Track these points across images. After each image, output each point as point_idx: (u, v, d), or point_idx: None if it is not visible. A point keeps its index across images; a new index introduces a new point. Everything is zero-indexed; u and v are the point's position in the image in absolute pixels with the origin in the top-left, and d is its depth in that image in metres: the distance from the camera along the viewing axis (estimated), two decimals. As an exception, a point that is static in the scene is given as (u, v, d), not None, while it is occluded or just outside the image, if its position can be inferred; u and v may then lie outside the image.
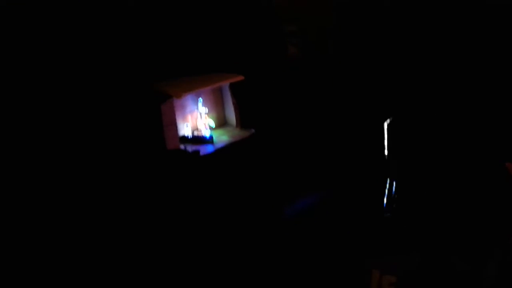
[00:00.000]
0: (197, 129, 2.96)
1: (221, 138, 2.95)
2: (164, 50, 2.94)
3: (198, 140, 2.89)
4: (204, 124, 2.95)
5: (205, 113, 2.96)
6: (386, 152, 2.89)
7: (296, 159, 3.04)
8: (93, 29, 2.65)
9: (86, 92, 2.60)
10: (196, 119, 2.97)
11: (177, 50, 2.99)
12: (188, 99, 2.92)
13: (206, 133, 2.92)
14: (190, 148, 2.80)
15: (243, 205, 2.73)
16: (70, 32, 2.57)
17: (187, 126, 2.92)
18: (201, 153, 2.77)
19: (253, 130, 3.01)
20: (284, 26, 3.66)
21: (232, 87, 3.02)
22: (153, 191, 2.61)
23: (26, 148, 2.44)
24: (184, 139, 2.89)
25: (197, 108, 2.95)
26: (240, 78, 2.97)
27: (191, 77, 2.93)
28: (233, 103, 3.05)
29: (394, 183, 2.86)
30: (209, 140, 2.88)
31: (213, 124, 2.99)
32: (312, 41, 3.80)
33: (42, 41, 2.47)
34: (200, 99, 2.94)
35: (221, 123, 3.11)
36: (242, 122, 3.05)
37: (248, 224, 2.62)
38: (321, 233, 2.61)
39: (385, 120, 2.91)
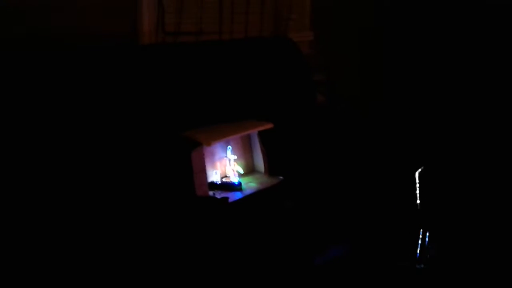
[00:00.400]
0: (226, 176, 2.98)
1: (250, 185, 2.95)
2: (195, 98, 3.02)
3: (226, 186, 2.90)
4: (233, 170, 2.97)
5: (234, 160, 2.99)
6: (418, 202, 2.84)
7: (325, 207, 3.01)
8: (125, 80, 2.76)
9: (122, 141, 2.67)
10: (225, 166, 2.99)
11: (208, 98, 3.07)
12: (217, 147, 2.96)
13: (235, 179, 2.93)
14: (218, 194, 2.81)
15: (272, 253, 2.69)
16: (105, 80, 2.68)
17: (216, 173, 2.94)
18: (230, 199, 2.77)
19: (281, 178, 3.01)
20: (313, 75, 3.73)
21: (261, 134, 3.06)
22: (183, 237, 2.61)
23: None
24: (213, 185, 2.90)
25: (226, 155, 2.98)
26: (269, 126, 3.01)
27: (221, 125, 2.99)
28: (262, 151, 3.08)
29: (428, 233, 2.79)
30: (237, 187, 2.89)
31: (241, 171, 3.01)
32: (339, 91, 3.85)
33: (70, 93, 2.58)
34: (229, 147, 2.98)
35: (250, 170, 3.13)
36: (270, 169, 3.06)
37: (277, 272, 2.57)
38: (350, 283, 2.54)
39: (416, 169, 2.88)
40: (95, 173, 2.58)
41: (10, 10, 2.60)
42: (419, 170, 2.84)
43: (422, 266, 2.67)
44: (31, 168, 2.40)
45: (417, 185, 2.85)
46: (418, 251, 2.72)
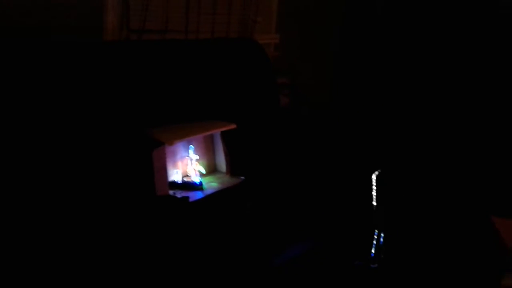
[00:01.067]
0: (187, 175, 2.99)
1: (211, 184, 2.97)
2: (157, 98, 3.01)
3: (188, 186, 2.91)
4: (195, 170, 2.98)
5: (196, 160, 3.00)
6: (374, 203, 2.93)
7: (284, 207, 3.06)
8: (87, 76, 2.73)
9: (81, 137, 2.64)
10: (187, 166, 3.00)
11: (170, 98, 3.07)
12: (179, 146, 2.96)
13: (196, 179, 2.94)
14: (179, 194, 2.82)
15: (232, 252, 2.72)
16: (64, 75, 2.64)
17: (177, 173, 2.95)
18: (191, 199, 2.78)
19: (242, 178, 3.05)
20: (277, 77, 3.78)
21: (224, 135, 3.09)
22: (142, 236, 2.61)
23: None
24: (174, 184, 2.90)
25: (188, 155, 2.99)
26: (232, 126, 3.04)
27: (184, 124, 2.99)
28: (224, 151, 3.10)
29: (382, 234, 2.88)
30: (198, 187, 2.90)
31: (203, 171, 3.02)
32: (302, 93, 3.92)
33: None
34: (191, 146, 2.99)
35: (212, 170, 3.15)
36: (232, 169, 3.09)
37: (235, 271, 2.60)
38: (308, 282, 2.60)
39: (373, 171, 2.96)
40: (55, 169, 2.55)
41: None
42: (376, 172, 2.93)
43: (376, 265, 2.76)
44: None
45: (374, 187, 2.94)
46: (372, 251, 2.81)
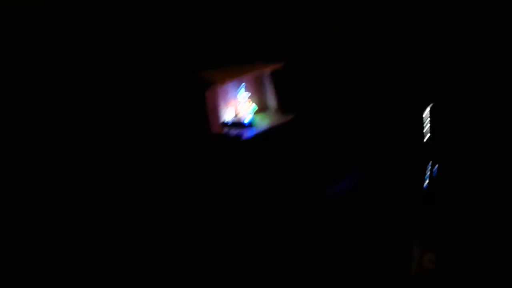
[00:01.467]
0: (239, 113, 3.07)
1: (262, 122, 3.04)
2: (210, 42, 3.06)
3: (240, 124, 2.99)
4: (246, 109, 3.05)
5: (247, 99, 3.06)
6: (428, 136, 2.90)
7: (336, 142, 3.08)
8: (140, 21, 2.80)
9: (139, 81, 2.75)
10: (238, 104, 3.07)
11: (222, 41, 3.11)
12: (231, 86, 3.03)
13: (248, 117, 3.02)
14: (233, 131, 2.91)
15: (284, 187, 2.80)
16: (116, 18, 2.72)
17: (229, 111, 3.03)
18: (243, 137, 2.87)
19: (292, 115, 3.09)
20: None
21: (273, 74, 3.11)
22: (198, 172, 2.74)
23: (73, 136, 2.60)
24: (227, 123, 2.99)
25: (239, 94, 3.05)
26: (278, 66, 3.06)
27: (235, 66, 3.04)
28: (273, 89, 3.14)
29: (436, 165, 2.87)
30: (250, 125, 2.98)
31: (254, 109, 3.08)
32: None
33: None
34: (243, 85, 3.04)
35: (263, 108, 3.20)
36: (282, 107, 3.13)
37: (290, 205, 2.70)
38: (362, 212, 2.66)
39: (427, 105, 2.92)
40: (116, 112, 2.69)
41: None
42: (430, 106, 2.89)
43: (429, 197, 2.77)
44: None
45: (427, 120, 2.90)
46: (426, 183, 2.81)
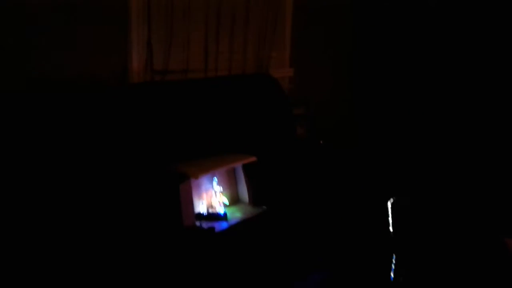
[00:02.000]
0: (211, 206, 3.15)
1: (235, 215, 3.13)
2: (181, 134, 3.20)
3: (213, 217, 3.07)
4: (219, 202, 3.14)
5: (220, 192, 3.16)
6: (391, 229, 3.04)
7: (305, 236, 3.19)
8: (117, 117, 2.93)
9: (113, 176, 2.83)
10: (211, 197, 3.17)
11: (193, 134, 3.26)
12: (204, 179, 3.14)
13: (221, 210, 3.10)
14: (205, 225, 2.98)
15: (255, 281, 2.85)
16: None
17: (202, 204, 3.11)
18: (216, 229, 2.94)
19: (264, 207, 3.20)
20: (293, 109, 3.96)
21: (245, 167, 3.26)
22: (172, 266, 2.76)
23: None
24: (200, 216, 3.07)
25: (212, 187, 3.16)
26: (252, 159, 3.22)
27: (207, 158, 3.17)
28: (246, 182, 3.27)
29: (399, 258, 2.98)
30: (223, 217, 3.06)
31: (227, 202, 3.18)
32: (318, 124, 4.08)
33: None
34: (215, 178, 3.16)
35: (235, 200, 3.31)
36: (254, 199, 3.25)
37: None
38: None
39: (388, 199, 3.09)
40: (87, 204, 2.73)
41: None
42: (391, 200, 3.05)
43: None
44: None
45: (390, 213, 3.06)
46: (391, 275, 2.91)
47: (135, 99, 3.10)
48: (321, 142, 4.01)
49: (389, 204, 3.05)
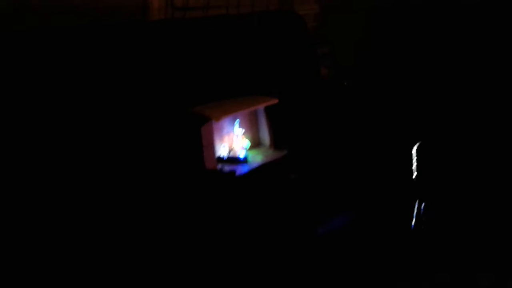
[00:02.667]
0: (233, 149, 3.13)
1: (256, 158, 3.11)
2: (201, 75, 3.12)
3: (233, 160, 3.05)
4: (240, 145, 3.11)
5: (241, 135, 3.13)
6: (414, 174, 3.00)
7: (327, 179, 3.16)
8: (136, 56, 2.85)
9: (132, 118, 2.80)
10: (232, 140, 3.14)
11: (214, 74, 3.18)
12: (225, 121, 3.09)
13: (242, 153, 3.08)
14: (226, 168, 2.97)
15: (276, 223, 2.87)
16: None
17: (223, 147, 3.09)
18: (237, 173, 2.93)
19: (286, 151, 3.16)
20: (317, 48, 3.81)
21: (267, 109, 3.19)
22: (191, 209, 2.79)
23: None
24: (221, 159, 3.05)
25: (234, 130, 3.12)
26: (274, 101, 3.13)
27: (228, 100, 3.11)
28: (268, 125, 3.21)
29: (423, 204, 2.96)
30: (244, 161, 3.04)
31: (248, 145, 3.15)
32: (343, 63, 3.93)
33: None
34: (237, 121, 3.11)
35: (256, 144, 3.27)
36: (275, 143, 3.21)
37: (281, 241, 2.76)
38: (351, 251, 2.74)
39: (414, 143, 3.01)
40: (104, 151, 2.72)
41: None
42: (417, 144, 2.98)
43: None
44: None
45: (414, 158, 3.00)
46: (413, 221, 2.91)
47: (154, 36, 3.00)
48: (345, 83, 3.89)
49: (414, 149, 2.98)
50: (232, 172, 2.93)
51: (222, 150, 3.09)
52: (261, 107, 3.16)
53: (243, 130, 3.14)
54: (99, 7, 2.96)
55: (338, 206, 2.96)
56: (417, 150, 3.04)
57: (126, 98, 2.81)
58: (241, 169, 2.98)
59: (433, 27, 3.86)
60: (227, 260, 2.64)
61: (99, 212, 2.59)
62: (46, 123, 2.54)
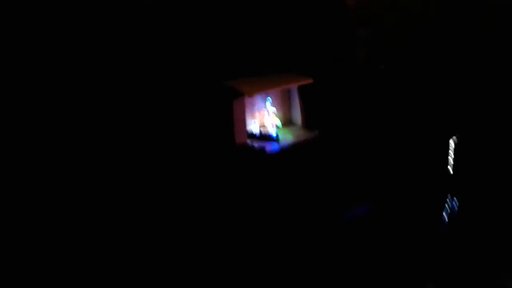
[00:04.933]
0: (264, 126, 3.07)
1: (286, 137, 3.04)
2: (238, 50, 3.05)
3: (264, 137, 3.00)
4: (271, 122, 3.05)
5: (273, 112, 3.06)
6: (450, 168, 2.89)
7: (357, 164, 3.09)
8: (170, 29, 2.80)
9: (169, 88, 2.76)
10: (264, 117, 3.07)
11: (250, 50, 3.10)
12: (258, 98, 3.03)
13: (273, 131, 3.02)
14: (256, 144, 2.92)
15: (303, 204, 2.82)
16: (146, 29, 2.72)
17: (254, 123, 3.03)
18: (267, 150, 2.88)
19: (317, 132, 3.09)
20: (355, 29, 3.68)
21: (300, 89, 3.11)
22: (220, 183, 2.76)
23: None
24: (251, 135, 3.00)
25: (265, 107, 3.05)
26: (309, 81, 3.05)
27: (262, 77, 3.04)
28: (300, 104, 3.13)
29: (456, 199, 2.86)
30: (275, 139, 2.98)
31: (279, 123, 3.09)
32: (382, 45, 3.80)
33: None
34: (269, 98, 3.04)
35: (287, 122, 3.21)
36: (307, 123, 3.13)
37: (307, 222, 2.71)
38: (377, 240, 2.67)
39: (451, 133, 2.90)
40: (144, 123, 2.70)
41: None
42: (454, 138, 2.87)
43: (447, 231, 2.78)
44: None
45: (451, 151, 2.89)
46: (445, 216, 2.81)
47: (191, 10, 2.93)
48: (382, 67, 3.76)
49: (451, 142, 2.87)
50: (262, 149, 2.88)
51: (253, 126, 3.03)
52: (294, 86, 3.08)
53: (275, 108, 3.07)
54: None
55: (367, 194, 2.90)
56: (454, 142, 2.93)
57: (162, 68, 2.77)
58: (271, 147, 2.92)
59: (479, 14, 3.69)
60: (253, 237, 2.61)
61: (131, 177, 2.59)
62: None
